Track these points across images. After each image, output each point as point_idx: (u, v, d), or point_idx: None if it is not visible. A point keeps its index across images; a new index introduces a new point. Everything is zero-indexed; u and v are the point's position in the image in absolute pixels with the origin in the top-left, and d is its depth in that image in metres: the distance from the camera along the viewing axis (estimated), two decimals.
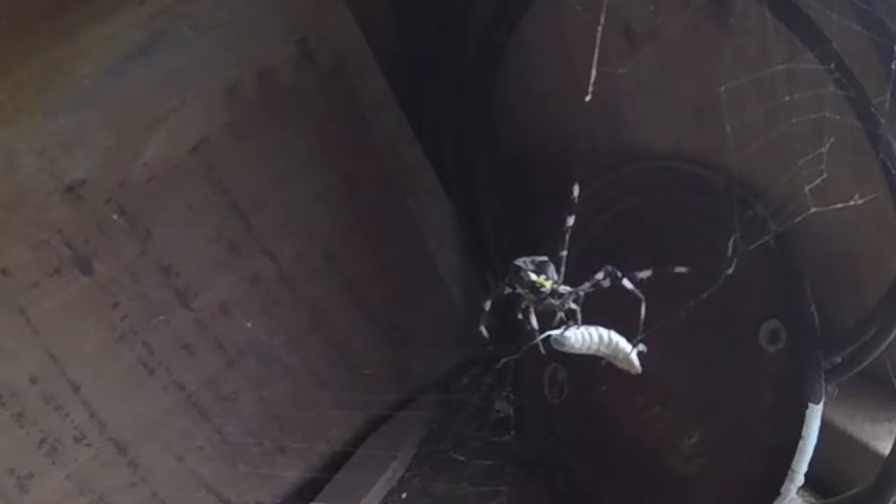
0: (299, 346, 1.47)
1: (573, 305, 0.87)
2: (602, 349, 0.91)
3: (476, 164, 1.57)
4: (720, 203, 1.16)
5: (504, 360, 0.90)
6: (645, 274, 0.87)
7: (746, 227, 1.11)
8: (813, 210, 0.93)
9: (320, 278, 1.48)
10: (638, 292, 0.87)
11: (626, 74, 1.30)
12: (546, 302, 0.87)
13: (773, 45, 1.00)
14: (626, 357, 0.93)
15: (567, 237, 0.88)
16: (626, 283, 0.87)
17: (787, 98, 0.96)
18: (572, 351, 0.89)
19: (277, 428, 1.45)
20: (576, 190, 0.88)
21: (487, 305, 0.90)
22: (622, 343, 0.92)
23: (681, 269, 0.91)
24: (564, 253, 0.89)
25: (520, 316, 0.88)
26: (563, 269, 0.88)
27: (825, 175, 0.92)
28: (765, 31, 1.02)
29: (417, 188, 1.56)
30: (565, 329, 0.87)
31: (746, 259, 1.15)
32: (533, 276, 0.86)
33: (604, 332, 0.91)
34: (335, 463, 1.51)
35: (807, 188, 0.92)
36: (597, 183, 1.40)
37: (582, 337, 0.89)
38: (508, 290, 0.87)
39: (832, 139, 0.93)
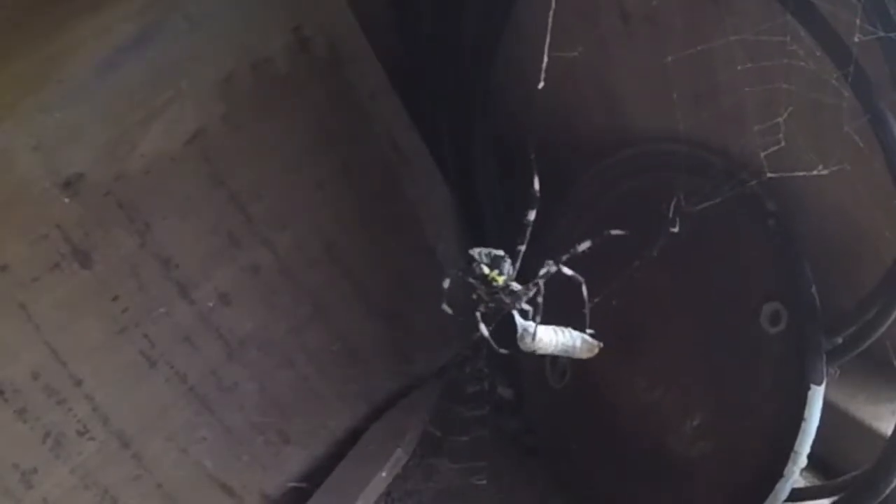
0: (300, 336, 1.47)
1: (525, 306, 0.87)
2: (566, 342, 0.92)
3: (474, 151, 1.56)
4: (721, 185, 1.16)
5: (476, 335, 0.90)
6: (585, 246, 0.89)
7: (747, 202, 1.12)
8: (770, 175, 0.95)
9: (320, 268, 1.48)
10: (577, 276, 0.87)
11: (624, 58, 1.30)
12: (497, 297, 0.86)
13: (771, 25, 1.00)
14: (585, 342, 0.93)
15: (528, 232, 0.88)
16: (565, 269, 0.87)
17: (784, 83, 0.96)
18: (541, 350, 0.89)
19: (280, 417, 1.46)
20: (536, 183, 0.88)
21: (446, 284, 0.90)
22: (576, 333, 0.92)
23: (617, 232, 0.92)
24: (522, 248, 0.88)
25: (478, 314, 0.87)
26: (517, 265, 0.87)
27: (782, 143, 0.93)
28: (761, 11, 1.01)
29: (416, 176, 1.55)
30: (534, 325, 0.86)
31: (748, 241, 1.17)
32: (486, 270, 0.85)
33: (560, 329, 0.91)
34: (338, 451, 1.51)
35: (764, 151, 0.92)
36: (596, 166, 1.40)
37: (553, 334, 0.89)
38: (460, 275, 0.87)
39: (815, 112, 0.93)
